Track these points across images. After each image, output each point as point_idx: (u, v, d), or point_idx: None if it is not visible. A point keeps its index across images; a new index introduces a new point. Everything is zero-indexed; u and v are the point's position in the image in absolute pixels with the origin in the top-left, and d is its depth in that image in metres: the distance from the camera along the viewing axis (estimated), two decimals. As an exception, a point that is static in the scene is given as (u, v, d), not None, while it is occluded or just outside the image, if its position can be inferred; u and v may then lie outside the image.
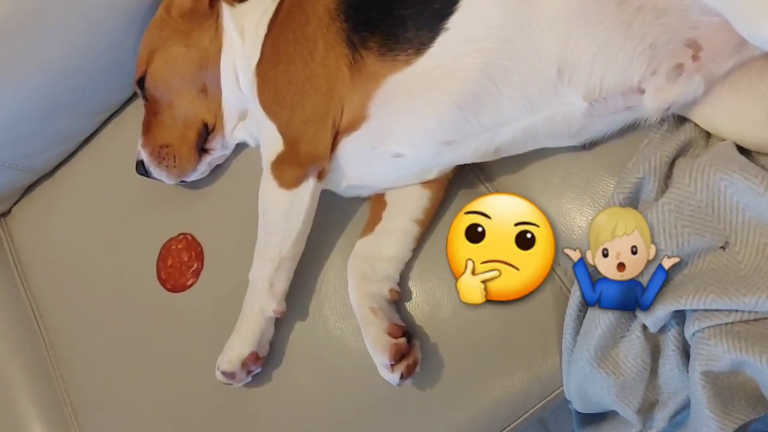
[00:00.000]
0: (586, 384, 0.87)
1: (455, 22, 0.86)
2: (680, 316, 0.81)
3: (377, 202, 1.01)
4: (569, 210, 0.94)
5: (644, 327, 0.83)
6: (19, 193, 1.37)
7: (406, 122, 0.90)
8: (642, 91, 0.83)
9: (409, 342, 0.91)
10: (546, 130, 0.89)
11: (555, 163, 0.95)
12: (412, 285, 0.99)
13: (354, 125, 0.93)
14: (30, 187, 1.36)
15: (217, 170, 1.17)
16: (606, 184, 0.92)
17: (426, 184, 0.98)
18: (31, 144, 1.26)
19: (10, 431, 1.23)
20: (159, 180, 1.12)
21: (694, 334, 0.77)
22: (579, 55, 0.83)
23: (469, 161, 0.94)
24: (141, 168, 1.12)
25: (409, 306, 0.99)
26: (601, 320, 0.82)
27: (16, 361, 1.28)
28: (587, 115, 0.86)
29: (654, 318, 0.80)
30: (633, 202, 0.85)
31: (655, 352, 0.84)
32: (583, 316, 0.88)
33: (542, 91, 0.85)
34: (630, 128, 0.89)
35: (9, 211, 1.39)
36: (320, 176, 0.96)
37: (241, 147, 1.16)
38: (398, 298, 0.97)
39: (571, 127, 0.88)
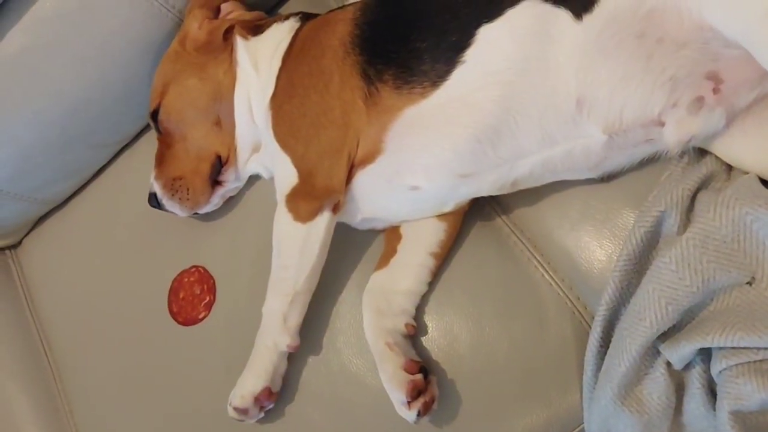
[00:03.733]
0: (609, 422, 0.85)
1: (472, 55, 0.86)
2: (706, 353, 0.79)
3: (392, 235, 1.00)
4: (589, 244, 0.92)
5: (668, 364, 0.81)
6: (30, 224, 1.37)
7: (422, 155, 0.89)
8: (662, 124, 0.82)
9: (425, 378, 0.90)
10: (564, 163, 0.87)
11: (573, 196, 0.94)
12: (429, 319, 0.98)
13: (369, 158, 0.92)
14: (41, 219, 1.36)
15: (230, 202, 1.16)
16: (626, 217, 0.90)
17: (442, 216, 0.97)
18: (43, 175, 1.26)
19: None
20: (172, 212, 1.12)
21: (721, 372, 0.75)
22: (598, 88, 0.82)
23: (485, 194, 0.93)
24: (153, 200, 1.11)
25: (426, 341, 0.97)
26: (624, 357, 0.80)
27: (24, 395, 1.27)
28: (607, 147, 0.85)
29: (679, 355, 0.78)
30: (654, 235, 0.83)
31: (679, 389, 0.82)
32: (605, 352, 0.86)
33: (561, 123, 0.84)
34: (650, 161, 0.88)
35: (20, 242, 1.39)
36: (335, 209, 0.95)
37: (254, 179, 1.15)
38: (414, 333, 0.95)
39: (590, 159, 0.87)
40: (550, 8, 0.83)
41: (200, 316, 1.11)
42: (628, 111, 0.82)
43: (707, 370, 0.79)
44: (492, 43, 0.85)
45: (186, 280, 1.14)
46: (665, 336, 0.80)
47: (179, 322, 1.13)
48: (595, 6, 0.82)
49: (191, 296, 1.13)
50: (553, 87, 0.83)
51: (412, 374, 0.89)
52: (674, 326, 0.80)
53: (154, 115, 1.10)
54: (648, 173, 0.90)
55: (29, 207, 1.31)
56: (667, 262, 0.78)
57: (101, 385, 1.20)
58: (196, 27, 1.09)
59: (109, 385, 1.19)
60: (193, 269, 1.14)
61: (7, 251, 1.39)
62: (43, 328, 1.30)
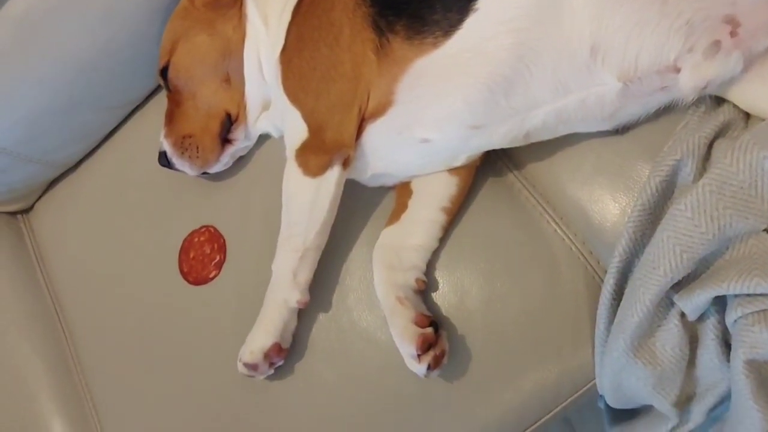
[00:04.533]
0: (621, 375, 0.84)
1: (484, 3, 0.84)
2: (720, 304, 0.78)
3: (403, 190, 0.99)
4: (602, 197, 0.91)
5: (682, 315, 0.79)
6: (41, 188, 1.36)
7: (433, 106, 0.88)
8: (678, 70, 0.80)
9: (436, 332, 0.89)
10: (578, 113, 0.86)
11: (586, 149, 0.92)
12: (439, 275, 0.97)
13: (380, 111, 0.91)
14: (52, 183, 1.36)
15: (240, 162, 1.15)
16: (640, 169, 0.89)
17: (453, 171, 0.96)
18: (53, 138, 1.25)
19: (31, 428, 1.22)
20: (181, 171, 1.11)
21: (736, 320, 0.74)
22: (613, 34, 0.80)
23: (497, 146, 0.92)
24: (163, 159, 1.11)
25: (436, 296, 0.96)
26: (637, 307, 0.79)
27: (36, 356, 1.27)
28: (621, 96, 0.83)
29: (693, 304, 0.77)
30: (670, 185, 0.82)
31: (693, 341, 0.81)
32: (617, 305, 0.85)
33: (575, 71, 0.82)
34: (665, 110, 0.86)
35: (31, 207, 1.38)
36: (345, 164, 0.94)
37: (263, 138, 1.14)
38: (424, 288, 0.95)
39: (604, 109, 0.85)
40: None
41: (211, 276, 1.11)
42: (643, 57, 0.80)
43: (722, 321, 0.78)
44: None
45: (196, 239, 1.14)
46: (679, 286, 0.79)
47: (190, 282, 1.13)
48: None
49: (201, 256, 1.12)
50: (567, 34, 0.81)
51: (423, 328, 0.88)
52: (689, 276, 0.78)
53: (164, 72, 1.09)
54: (663, 123, 0.88)
55: (40, 170, 1.30)
56: (682, 209, 0.76)
57: (113, 345, 1.19)
58: (206, -18, 1.08)
59: (121, 345, 1.18)
60: (204, 229, 1.14)
61: (19, 215, 1.39)
62: (55, 290, 1.30)
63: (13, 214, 1.39)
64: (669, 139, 0.85)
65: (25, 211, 1.39)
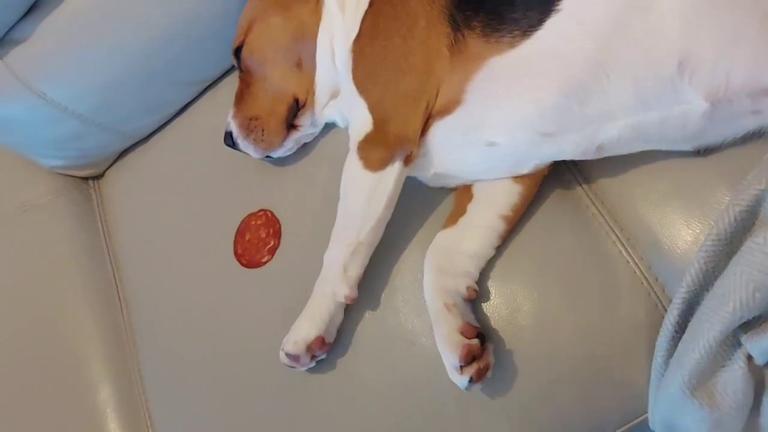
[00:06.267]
0: (675, 414, 0.78)
1: (568, 3, 0.80)
2: (794, 350, 0.72)
3: (464, 193, 0.95)
4: (675, 221, 0.85)
5: (749, 357, 0.73)
6: (113, 156, 1.39)
7: (504, 109, 0.84)
8: (774, 95, 0.74)
9: (482, 344, 0.85)
10: (657, 131, 0.81)
11: (663, 168, 0.87)
12: (492, 285, 0.93)
13: (448, 109, 0.88)
14: (124, 153, 1.38)
15: (304, 149, 1.14)
16: (720, 195, 0.83)
17: (518, 179, 0.92)
18: (127, 108, 1.27)
19: (80, 390, 1.24)
20: (245, 153, 1.11)
21: (809, 371, 0.68)
22: (704, 48, 0.74)
23: (567, 157, 0.87)
24: (229, 139, 1.10)
25: (486, 307, 0.92)
26: (700, 343, 0.73)
27: (92, 321, 1.28)
28: (707, 117, 0.77)
29: (762, 347, 0.71)
30: (751, 216, 0.75)
31: (759, 387, 0.74)
32: (679, 338, 0.79)
33: (658, 85, 0.77)
34: (754, 136, 0.80)
35: (102, 174, 1.41)
36: (407, 161, 0.91)
37: (330, 128, 1.13)
38: (475, 297, 0.91)
39: (686, 129, 0.80)
40: None
41: (263, 260, 1.10)
42: (735, 77, 0.74)
43: (794, 369, 0.72)
44: None
45: (253, 222, 1.13)
46: (749, 326, 0.73)
47: (242, 264, 1.12)
48: None
49: (256, 239, 1.12)
50: (654, 44, 0.76)
51: (469, 338, 0.85)
52: (760, 316, 0.72)
53: (238, 52, 1.09)
54: (750, 149, 0.82)
55: (113, 138, 1.32)
56: (760, 243, 0.70)
57: (164, 317, 1.20)
58: (287, -36, 1.07)
59: (171, 318, 1.19)
60: (261, 212, 1.13)
61: (90, 181, 1.42)
62: (116, 258, 1.32)
63: (85, 179, 1.42)
64: (754, 167, 0.79)
65: (97, 177, 1.42)
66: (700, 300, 0.78)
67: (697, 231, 0.84)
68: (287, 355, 0.96)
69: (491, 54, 0.84)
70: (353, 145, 0.94)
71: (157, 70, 1.22)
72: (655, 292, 0.86)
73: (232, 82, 1.24)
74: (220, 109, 1.22)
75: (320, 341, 0.95)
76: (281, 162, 1.15)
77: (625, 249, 0.89)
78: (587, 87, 0.79)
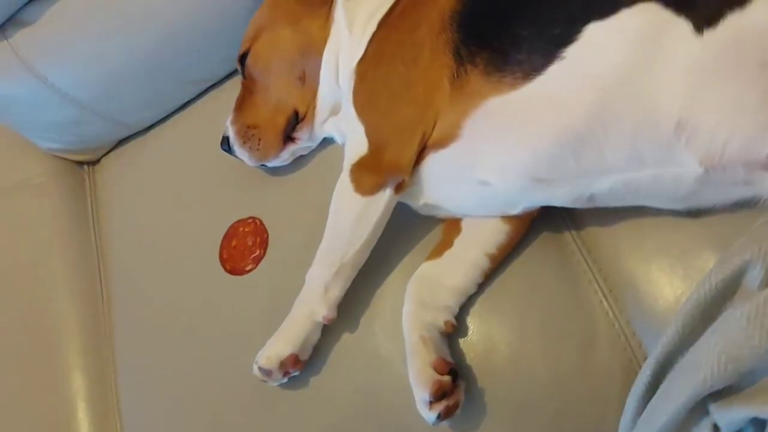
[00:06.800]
0: (639, 473, 0.78)
1: (573, 52, 0.79)
2: (759, 425, 0.71)
3: (451, 226, 0.95)
4: (659, 279, 0.85)
5: (715, 427, 0.73)
6: (110, 145, 1.39)
7: (498, 150, 0.84)
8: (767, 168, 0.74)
9: (454, 381, 0.85)
10: (650, 189, 0.80)
11: (652, 225, 0.87)
12: (471, 321, 0.93)
13: (443, 143, 0.88)
14: (121, 141, 1.38)
15: (301, 161, 1.14)
16: (705, 259, 0.83)
17: (507, 218, 0.91)
18: (128, 100, 1.27)
19: (53, 376, 1.24)
20: (240, 159, 1.10)
21: (774, 448, 0.68)
22: (704, 114, 0.74)
23: (558, 204, 0.87)
24: (225, 144, 1.10)
25: (463, 343, 0.92)
26: (669, 408, 0.73)
27: (72, 307, 1.29)
28: (700, 181, 0.77)
29: (729, 419, 0.70)
30: (732, 285, 0.75)
31: (724, 457, 0.74)
32: (650, 397, 0.79)
33: (654, 145, 0.77)
34: (745, 204, 0.80)
35: (98, 160, 1.41)
36: (398, 189, 0.91)
37: (327, 142, 1.12)
38: (453, 332, 0.91)
39: (678, 190, 0.79)
40: (669, 15, 0.76)
41: (247, 268, 1.10)
42: (732, 145, 0.74)
43: (759, 443, 0.72)
44: (598, 43, 0.79)
45: (241, 229, 1.13)
46: (718, 396, 0.73)
47: (226, 270, 1.12)
48: (720, 22, 0.74)
49: (243, 246, 1.12)
50: (654, 103, 0.76)
51: (441, 374, 0.84)
52: (730, 387, 0.72)
53: (243, 58, 1.09)
54: (740, 216, 0.81)
55: (112, 128, 1.33)
56: (738, 316, 0.70)
57: (143, 312, 1.20)
58: (301, -23, 1.06)
59: (150, 314, 1.19)
60: (250, 220, 1.13)
61: (85, 166, 1.42)
62: (102, 246, 1.32)
63: (80, 164, 1.42)
64: (742, 235, 0.79)
65: (92, 163, 1.42)
66: (674, 363, 0.77)
67: (679, 292, 0.83)
68: (260, 369, 0.95)
69: (491, 93, 0.84)
70: (347, 166, 0.94)
71: (161, 65, 1.22)
72: (631, 347, 0.86)
73: (236, 85, 1.23)
74: (220, 111, 1.21)
75: (294, 359, 0.95)
76: (276, 172, 1.14)
77: (607, 300, 0.89)
78: (583, 139, 0.79)
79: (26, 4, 1.17)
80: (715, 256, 0.81)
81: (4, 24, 1.18)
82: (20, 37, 1.18)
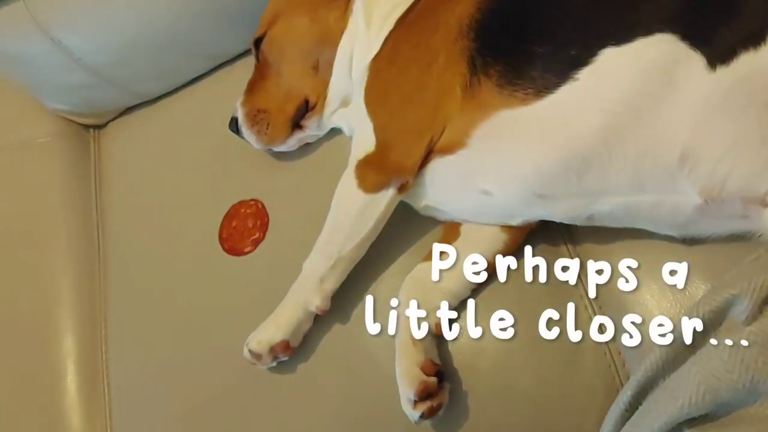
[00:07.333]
0: (610, 489, 0.81)
1: (586, 75, 0.80)
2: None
3: (451, 230, 0.96)
4: (648, 301, 0.87)
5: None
6: (118, 111, 1.39)
7: (503, 163, 0.85)
8: (765, 205, 0.75)
9: (440, 383, 0.87)
10: (649, 214, 0.82)
11: (648, 248, 0.88)
12: (462, 325, 0.94)
13: (450, 149, 0.89)
14: (130, 109, 1.38)
15: (307, 149, 1.14)
16: (695, 287, 0.84)
17: (506, 228, 0.93)
18: (141, 69, 1.27)
19: (44, 337, 1.25)
20: (247, 141, 1.11)
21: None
22: (708, 148, 0.75)
23: (557, 220, 0.89)
24: (234, 125, 1.11)
25: (451, 345, 0.94)
26: (645, 431, 0.75)
27: (69, 269, 1.29)
28: (698, 211, 0.79)
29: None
30: (719, 317, 0.77)
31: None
32: (628, 417, 0.81)
33: (657, 173, 0.78)
34: (739, 237, 0.81)
35: (105, 125, 1.41)
36: (401, 189, 0.92)
37: (335, 132, 1.13)
38: (442, 334, 0.92)
39: (677, 218, 0.81)
40: (685, 48, 0.77)
41: (246, 250, 1.11)
42: (732, 180, 0.75)
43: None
44: (612, 68, 0.80)
45: (242, 210, 1.14)
46: (694, 422, 0.75)
47: (224, 249, 1.13)
48: (734, 60, 0.75)
49: (242, 227, 1.13)
50: (661, 133, 0.77)
51: (427, 375, 0.86)
52: (706, 415, 0.74)
53: (258, 42, 1.09)
54: (733, 248, 0.83)
55: (121, 95, 1.33)
56: (720, 349, 0.72)
57: (138, 281, 1.22)
58: (322, -35, 1.06)
59: (145, 284, 1.20)
60: (252, 202, 1.14)
61: (91, 130, 1.42)
62: (103, 211, 1.32)
63: (86, 127, 1.42)
64: (734, 267, 0.80)
65: (98, 127, 1.42)
66: (654, 386, 0.79)
67: (667, 316, 0.85)
68: (250, 351, 0.97)
69: (502, 106, 0.84)
70: (352, 162, 0.95)
71: (176, 38, 1.22)
72: (615, 365, 0.88)
73: (248, 64, 1.24)
74: (231, 89, 1.21)
75: (284, 345, 0.96)
76: (282, 156, 1.15)
77: (595, 316, 0.90)
78: (588, 161, 0.80)
79: (45, -32, 1.17)
80: (705, 285, 0.83)
81: (22, -14, 1.18)
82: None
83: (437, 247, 0.94)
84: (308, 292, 0.95)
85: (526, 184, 0.84)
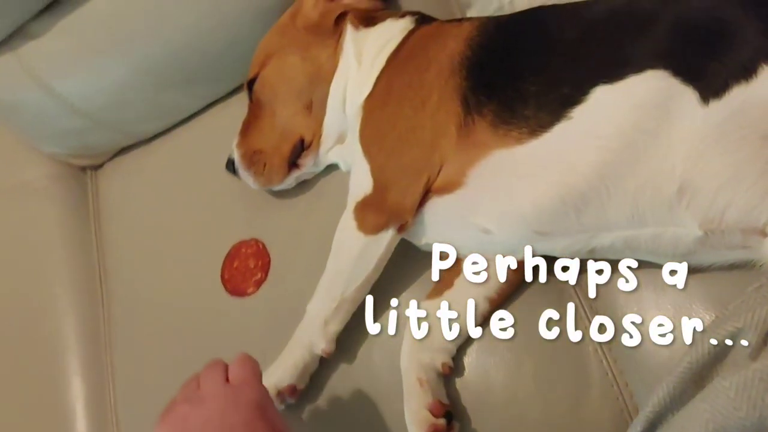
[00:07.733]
0: None
1: (580, 113, 0.80)
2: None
3: (453, 266, 0.96)
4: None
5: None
6: (114, 151, 1.40)
7: (502, 201, 0.85)
8: (765, 235, 0.75)
9: (449, 423, 0.87)
10: (649, 246, 0.82)
11: (650, 278, 0.87)
12: (468, 361, 0.94)
13: (448, 188, 0.89)
14: (125, 148, 1.38)
15: (306, 185, 1.14)
16: (699, 316, 0.84)
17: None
18: (134, 111, 1.28)
19: (52, 379, 1.26)
20: (245, 182, 1.11)
21: None
22: (705, 180, 0.75)
23: (558, 255, 0.88)
24: (230, 166, 1.11)
25: (459, 382, 0.93)
26: (656, 469, 0.75)
27: (72, 312, 1.31)
28: (698, 243, 0.79)
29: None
30: (724, 350, 0.77)
31: None
32: (638, 452, 0.81)
33: (656, 206, 0.78)
34: (741, 266, 0.81)
35: (101, 165, 1.41)
36: (401, 229, 0.92)
37: (332, 167, 1.13)
38: (449, 374, 0.92)
39: (677, 249, 0.81)
40: (677, 84, 0.77)
41: (248, 291, 1.11)
42: (731, 212, 0.75)
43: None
44: (605, 106, 0.79)
45: (243, 250, 1.14)
46: (705, 459, 0.75)
47: (227, 290, 1.13)
48: (726, 93, 0.75)
49: (244, 268, 1.13)
50: (657, 167, 0.77)
51: (437, 417, 0.86)
52: (716, 453, 0.74)
53: (251, 83, 1.09)
54: (735, 276, 0.82)
55: (116, 137, 1.34)
56: (726, 386, 0.71)
57: (142, 321, 1.22)
58: (311, 5, 1.07)
59: (149, 324, 1.21)
60: (253, 242, 1.14)
61: (88, 170, 1.43)
62: (103, 252, 1.33)
63: (83, 168, 1.42)
64: (736, 296, 0.80)
65: (95, 168, 1.42)
66: (663, 421, 0.79)
67: (672, 347, 0.85)
68: (258, 396, 0.97)
69: (497, 145, 0.84)
70: (351, 203, 0.95)
71: (169, 79, 1.23)
72: (623, 398, 0.88)
73: (242, 100, 1.24)
74: (226, 126, 1.22)
75: (291, 389, 0.96)
76: (279, 194, 1.15)
77: (601, 349, 0.90)
78: (586, 197, 0.80)
79: (34, 17, 1.17)
80: (708, 313, 0.83)
81: (11, 35, 1.18)
82: (28, 49, 1.19)
83: (437, 247, 0.93)
84: (313, 335, 0.95)
85: (525, 222, 0.84)
